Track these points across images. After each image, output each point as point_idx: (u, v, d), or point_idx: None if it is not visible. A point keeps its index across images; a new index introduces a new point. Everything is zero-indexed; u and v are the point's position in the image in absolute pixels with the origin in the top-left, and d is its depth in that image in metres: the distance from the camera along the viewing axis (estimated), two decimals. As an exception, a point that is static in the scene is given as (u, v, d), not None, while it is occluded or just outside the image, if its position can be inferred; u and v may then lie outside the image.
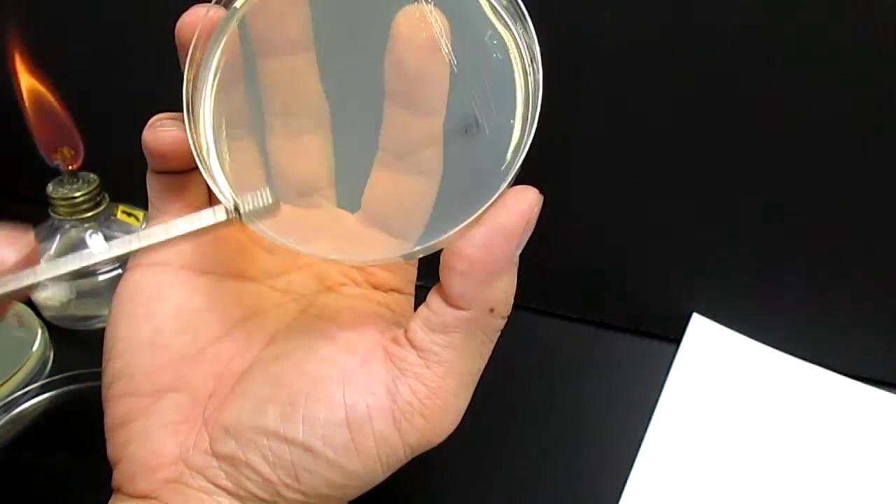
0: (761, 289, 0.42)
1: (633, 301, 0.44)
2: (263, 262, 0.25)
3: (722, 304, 0.43)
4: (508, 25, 0.21)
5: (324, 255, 0.21)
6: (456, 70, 0.20)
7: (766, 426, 0.38)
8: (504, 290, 0.21)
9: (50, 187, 0.42)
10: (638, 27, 0.36)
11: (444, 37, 0.20)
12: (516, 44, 0.21)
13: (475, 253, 0.20)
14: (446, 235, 0.20)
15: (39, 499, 0.35)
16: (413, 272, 0.27)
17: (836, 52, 0.34)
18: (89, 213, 0.43)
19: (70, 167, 0.41)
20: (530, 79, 0.20)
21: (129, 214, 0.46)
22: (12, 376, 0.39)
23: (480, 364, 0.22)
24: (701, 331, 0.42)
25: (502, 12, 0.21)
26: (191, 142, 0.21)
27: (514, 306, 0.22)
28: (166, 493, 0.22)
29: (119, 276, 0.44)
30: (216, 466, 0.22)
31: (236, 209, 0.21)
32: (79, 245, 0.44)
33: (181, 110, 0.22)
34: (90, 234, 0.44)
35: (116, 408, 0.23)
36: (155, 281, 0.24)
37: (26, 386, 0.39)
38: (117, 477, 0.23)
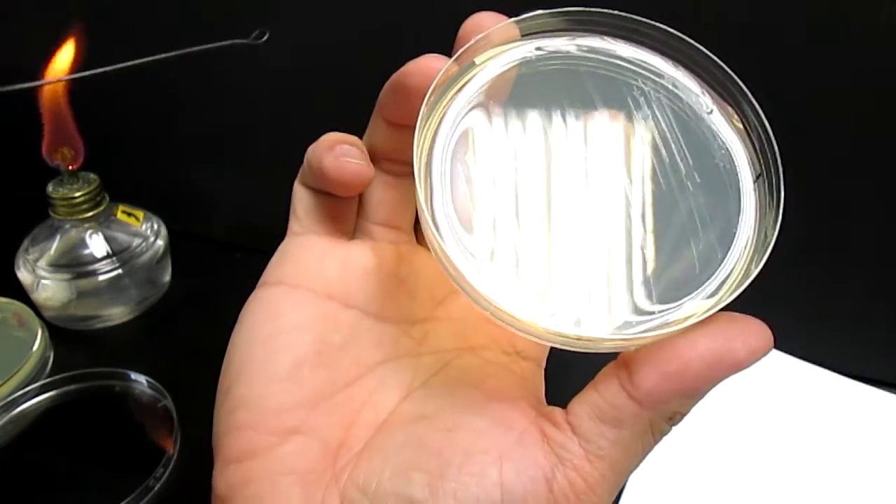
0: (761, 289, 0.42)
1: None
2: (403, 306, 0.23)
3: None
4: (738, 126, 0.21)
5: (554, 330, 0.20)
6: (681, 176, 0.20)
7: (765, 426, 0.38)
8: (692, 406, 0.20)
9: (50, 187, 0.42)
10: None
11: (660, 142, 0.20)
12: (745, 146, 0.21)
13: (695, 364, 0.18)
14: (668, 330, 0.19)
15: (39, 499, 0.35)
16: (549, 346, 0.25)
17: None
18: (89, 213, 0.43)
19: (70, 167, 0.41)
20: (757, 193, 0.20)
21: (129, 214, 0.46)
22: (12, 376, 0.39)
23: (639, 463, 0.20)
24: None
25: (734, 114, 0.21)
26: (419, 191, 0.20)
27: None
28: None
29: (119, 276, 0.44)
30: None
31: None
32: (79, 245, 0.44)
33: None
34: (90, 234, 0.44)
35: (236, 440, 0.21)
36: (299, 306, 0.22)
37: (26, 386, 0.39)
38: None
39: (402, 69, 0.21)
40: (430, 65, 0.21)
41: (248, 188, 0.52)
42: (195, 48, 0.34)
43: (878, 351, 0.41)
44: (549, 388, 0.24)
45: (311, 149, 0.22)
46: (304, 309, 0.22)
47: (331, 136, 0.22)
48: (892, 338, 0.41)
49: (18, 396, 0.39)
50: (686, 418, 0.37)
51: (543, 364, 0.25)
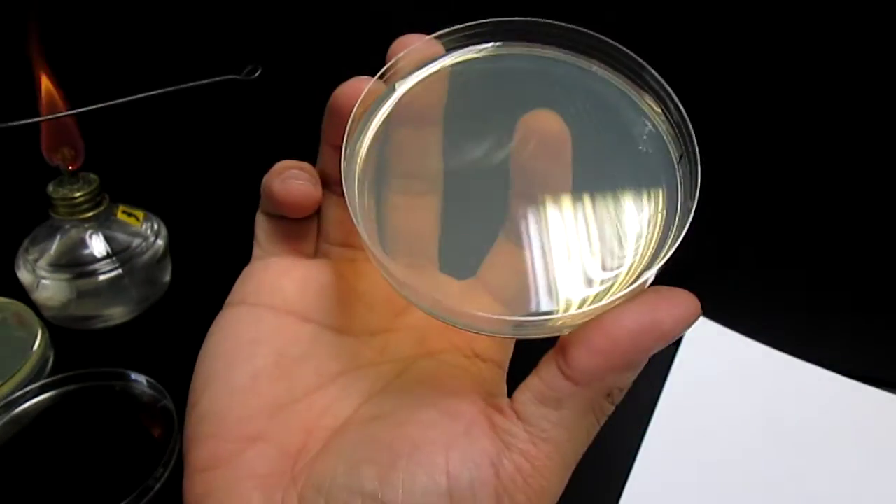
0: (761, 289, 0.42)
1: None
2: (363, 318, 0.24)
3: (722, 304, 0.43)
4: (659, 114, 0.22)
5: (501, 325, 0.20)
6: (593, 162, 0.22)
7: (766, 426, 0.38)
8: (629, 380, 0.20)
9: (50, 187, 0.42)
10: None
11: (567, 140, 0.22)
12: (670, 130, 0.22)
13: (622, 337, 0.19)
14: (595, 306, 0.19)
15: (39, 499, 0.35)
16: (511, 349, 0.26)
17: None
18: (89, 213, 0.43)
19: (70, 167, 0.41)
20: (680, 173, 0.21)
21: (130, 214, 0.46)
22: (12, 376, 0.39)
23: (586, 445, 0.21)
24: (701, 331, 0.42)
25: (653, 104, 0.22)
26: (348, 202, 0.21)
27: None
28: None
29: (119, 276, 0.44)
30: None
31: None
32: (79, 245, 0.44)
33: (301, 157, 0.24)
34: (90, 234, 0.44)
35: (202, 450, 0.22)
36: (257, 322, 0.23)
37: (26, 386, 0.39)
38: None
39: (334, 93, 0.23)
40: (357, 86, 0.22)
41: (249, 187, 0.52)
42: (190, 84, 0.36)
43: (878, 351, 0.41)
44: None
45: (265, 177, 0.24)
46: (261, 324, 0.23)
47: (281, 163, 0.24)
48: (893, 338, 0.41)
49: (18, 396, 0.39)
50: (685, 418, 0.37)
51: (505, 367, 0.25)
